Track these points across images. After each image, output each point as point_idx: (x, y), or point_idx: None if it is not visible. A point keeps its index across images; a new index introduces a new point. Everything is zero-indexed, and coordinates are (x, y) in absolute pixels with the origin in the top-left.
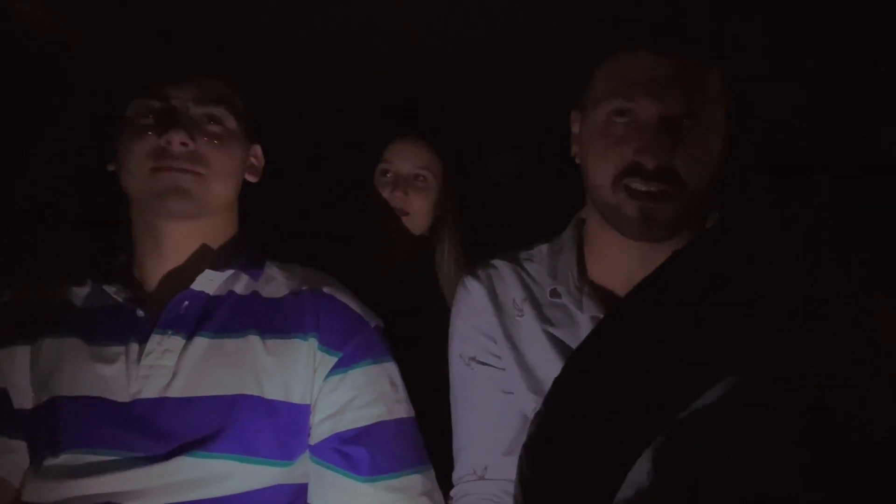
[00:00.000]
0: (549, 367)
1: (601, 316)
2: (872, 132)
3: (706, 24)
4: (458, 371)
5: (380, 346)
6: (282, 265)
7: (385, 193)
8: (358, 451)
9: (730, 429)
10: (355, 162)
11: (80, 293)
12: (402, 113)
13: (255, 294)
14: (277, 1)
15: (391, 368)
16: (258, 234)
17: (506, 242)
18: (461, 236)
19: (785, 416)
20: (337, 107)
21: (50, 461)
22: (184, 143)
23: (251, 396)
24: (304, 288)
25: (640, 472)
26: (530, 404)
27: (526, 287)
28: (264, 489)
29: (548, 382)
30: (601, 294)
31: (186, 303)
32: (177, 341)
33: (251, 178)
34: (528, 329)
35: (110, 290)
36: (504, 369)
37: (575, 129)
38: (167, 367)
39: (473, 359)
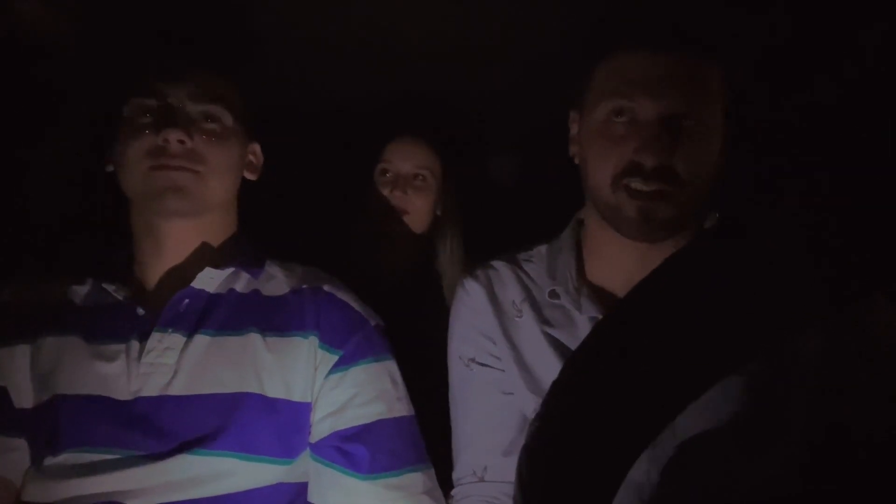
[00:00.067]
0: (548, 367)
1: (600, 317)
2: (873, 132)
3: (705, 23)
4: (458, 372)
5: (380, 345)
6: (282, 263)
7: (385, 193)
8: (358, 450)
9: (729, 429)
10: (355, 161)
11: (80, 292)
12: (402, 112)
13: (256, 292)
14: (278, 1)
15: (391, 367)
16: (258, 233)
17: (505, 243)
18: (462, 236)
19: (785, 416)
20: (337, 106)
21: (51, 460)
22: (181, 141)
23: (252, 394)
24: (304, 286)
25: (639, 473)
26: (530, 405)
27: (525, 288)
28: (265, 487)
29: (547, 383)
30: (600, 295)
31: (187, 301)
32: (177, 339)
33: (250, 176)
34: (528, 330)
35: (110, 288)
36: (503, 370)
37: (573, 129)
38: (168, 365)
39: (473, 360)
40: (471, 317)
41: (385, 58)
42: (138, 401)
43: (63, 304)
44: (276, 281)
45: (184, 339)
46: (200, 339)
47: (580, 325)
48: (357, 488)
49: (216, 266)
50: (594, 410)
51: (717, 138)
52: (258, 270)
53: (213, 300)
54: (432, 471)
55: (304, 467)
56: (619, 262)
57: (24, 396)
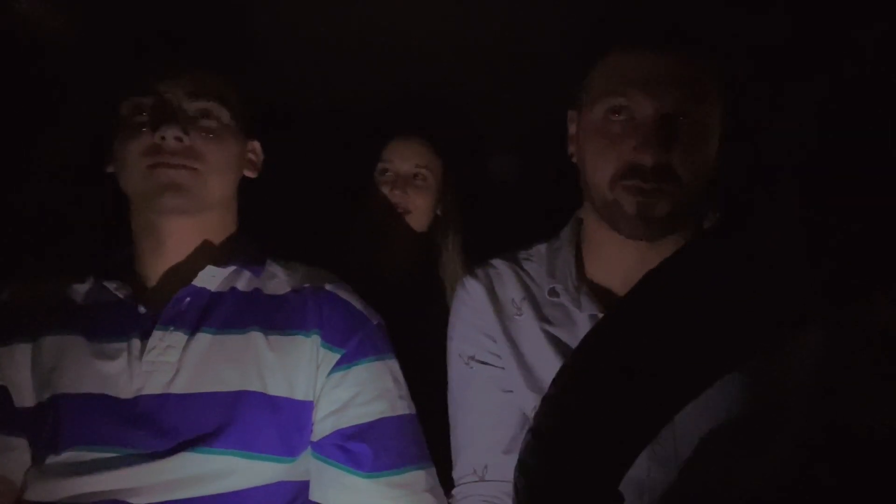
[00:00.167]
0: (548, 365)
1: (599, 315)
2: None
3: (703, 22)
4: (458, 370)
5: (382, 343)
6: (283, 262)
7: (385, 192)
8: (360, 448)
9: (729, 427)
10: (355, 160)
11: (81, 290)
12: (402, 112)
13: (258, 291)
14: (278, 1)
15: (393, 365)
16: (259, 231)
17: (505, 242)
18: (462, 235)
19: (784, 415)
20: (337, 106)
21: (52, 459)
22: (178, 139)
23: (254, 393)
24: (306, 285)
25: (640, 470)
26: (529, 403)
27: (525, 286)
28: (267, 486)
29: (547, 381)
30: (599, 293)
31: (188, 299)
32: (179, 337)
33: (250, 174)
34: (527, 328)
35: (111, 286)
36: (503, 368)
37: (572, 128)
38: (170, 364)
39: (473, 358)
40: (471, 315)
41: (385, 58)
42: (140, 399)
43: (64, 302)
44: (277, 280)
45: (185, 337)
46: (202, 338)
47: (580, 323)
48: (359, 486)
49: (217, 264)
50: (594, 409)
51: (714, 137)
52: (259, 269)
53: (214, 298)
54: (434, 469)
55: (306, 466)
56: (619, 261)
57: (25, 395)
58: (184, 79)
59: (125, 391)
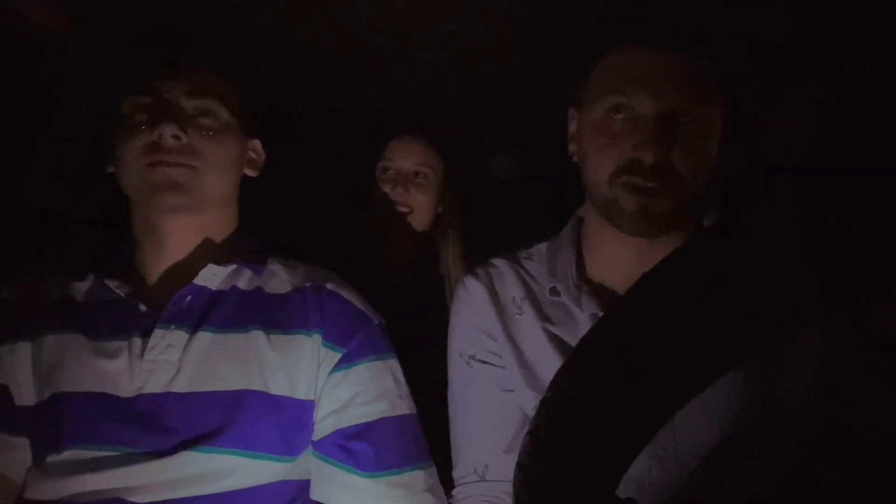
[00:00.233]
0: (549, 364)
1: (600, 313)
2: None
3: (703, 21)
4: (458, 370)
5: (383, 343)
6: (284, 261)
7: (386, 190)
8: (361, 447)
9: (729, 425)
10: (356, 159)
11: (82, 288)
12: (403, 111)
13: (259, 289)
14: (278, 1)
15: (394, 365)
16: (260, 230)
17: (505, 241)
18: (462, 234)
19: (784, 414)
20: (337, 105)
21: (53, 458)
22: (176, 136)
23: (256, 392)
24: (307, 284)
25: (640, 469)
26: (530, 402)
27: (525, 285)
28: (267, 485)
29: (547, 380)
30: (600, 292)
31: (189, 297)
32: (180, 336)
33: (250, 173)
34: (528, 327)
35: (112, 284)
36: (504, 367)
37: (572, 127)
38: (171, 362)
39: (473, 357)
40: (471, 314)
41: (385, 58)
42: (141, 398)
43: (64, 300)
44: (278, 278)
45: (187, 335)
46: (203, 336)
47: (581, 322)
48: (360, 486)
49: (218, 263)
50: (595, 407)
51: (714, 136)
52: (261, 267)
53: (215, 297)
54: (434, 469)
55: (307, 465)
56: (619, 260)
57: (26, 394)
58: (183, 78)
59: (126, 390)
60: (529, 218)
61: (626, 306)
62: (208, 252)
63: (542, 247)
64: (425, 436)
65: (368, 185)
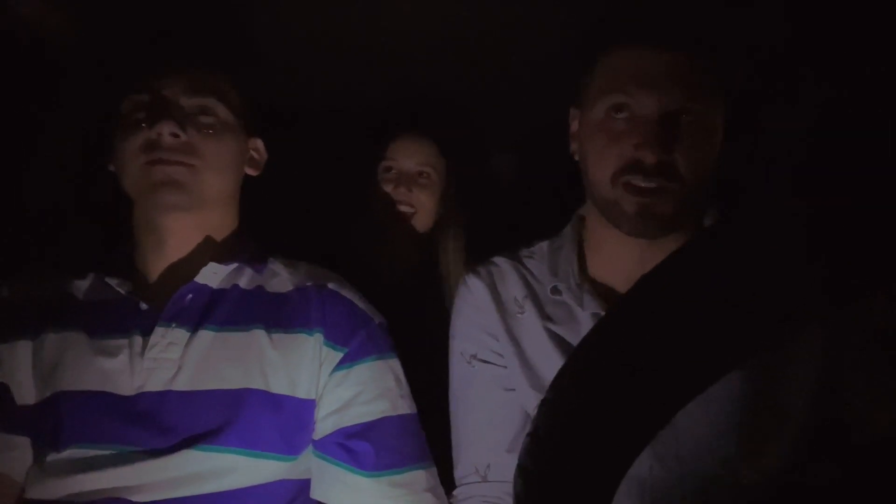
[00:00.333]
0: (551, 364)
1: (602, 313)
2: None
3: (704, 20)
4: (460, 369)
5: (384, 343)
6: (285, 261)
7: (388, 190)
8: (362, 447)
9: (730, 424)
10: (358, 159)
11: (82, 286)
12: (403, 111)
13: (260, 288)
14: (278, 1)
15: (395, 365)
16: (261, 230)
17: (506, 241)
18: (464, 234)
19: (785, 413)
20: (338, 105)
21: (53, 457)
22: (174, 135)
23: (257, 391)
24: (308, 284)
25: (642, 468)
26: (532, 401)
27: (527, 284)
28: (268, 484)
29: (549, 379)
30: (601, 291)
31: (190, 296)
32: (181, 334)
33: (251, 172)
34: (530, 326)
35: (112, 282)
36: (505, 367)
37: (573, 126)
38: (172, 360)
39: (475, 356)
40: (473, 313)
41: (385, 58)
42: (141, 396)
43: (65, 299)
44: (279, 278)
45: (187, 334)
46: (204, 335)
47: (582, 321)
48: (361, 485)
49: (219, 261)
50: (596, 407)
51: (716, 135)
52: (262, 266)
53: (216, 295)
54: (434, 468)
55: (307, 464)
56: (620, 259)
57: (26, 393)
58: (182, 76)
59: (126, 388)
60: (529, 218)
61: (626, 306)
62: (209, 251)
63: (543, 245)
64: (426, 436)
65: (370, 185)
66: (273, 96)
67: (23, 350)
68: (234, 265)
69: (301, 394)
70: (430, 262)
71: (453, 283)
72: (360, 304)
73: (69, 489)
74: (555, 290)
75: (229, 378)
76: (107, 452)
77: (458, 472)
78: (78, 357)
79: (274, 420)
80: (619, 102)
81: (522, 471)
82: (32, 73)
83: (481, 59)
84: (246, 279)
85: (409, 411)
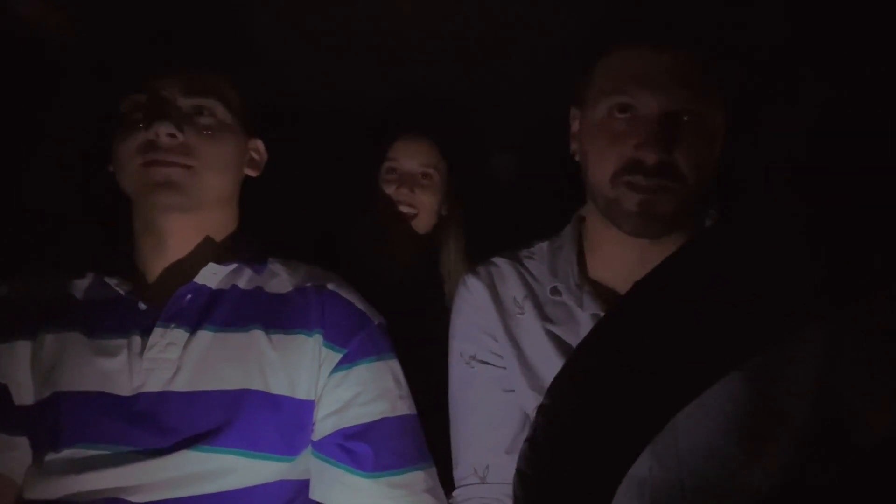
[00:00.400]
0: (550, 364)
1: (601, 313)
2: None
3: (705, 20)
4: (459, 370)
5: (383, 343)
6: (284, 261)
7: (390, 191)
8: (361, 448)
9: (730, 425)
10: (359, 160)
11: (81, 286)
12: (403, 112)
13: (259, 289)
14: (278, 1)
15: (394, 365)
16: (262, 230)
17: (506, 241)
18: (464, 235)
19: (785, 414)
20: (339, 105)
21: (52, 457)
22: (171, 135)
23: (256, 391)
24: (308, 284)
25: (641, 469)
26: (531, 402)
27: (527, 285)
28: (267, 484)
29: (548, 380)
30: (601, 292)
31: (189, 296)
32: (180, 334)
33: (252, 173)
34: (529, 327)
35: (112, 282)
36: (505, 368)
37: (574, 126)
38: (170, 361)
39: (474, 357)
40: (472, 314)
41: (385, 58)
42: (140, 397)
43: (64, 298)
44: (279, 278)
45: (186, 334)
46: (203, 335)
47: (582, 321)
48: (360, 486)
49: (218, 262)
50: (596, 407)
51: (717, 135)
52: (261, 267)
53: (215, 296)
54: (434, 469)
55: (306, 465)
56: (620, 260)
57: (25, 393)
58: (180, 76)
59: (125, 388)
60: (529, 218)
61: (624, 308)
62: (208, 251)
63: (543, 246)
64: (425, 436)
65: (370, 186)
66: (273, 96)
67: (22, 350)
68: (234, 266)
69: (300, 394)
70: (430, 262)
71: (453, 284)
72: (360, 304)
73: (68, 489)
74: (554, 291)
75: (228, 378)
76: (105, 453)
77: (458, 473)
78: (77, 357)
79: (273, 421)
80: (621, 102)
81: (521, 477)
82: (32, 73)
83: (481, 59)
84: (245, 280)
85: (408, 412)
